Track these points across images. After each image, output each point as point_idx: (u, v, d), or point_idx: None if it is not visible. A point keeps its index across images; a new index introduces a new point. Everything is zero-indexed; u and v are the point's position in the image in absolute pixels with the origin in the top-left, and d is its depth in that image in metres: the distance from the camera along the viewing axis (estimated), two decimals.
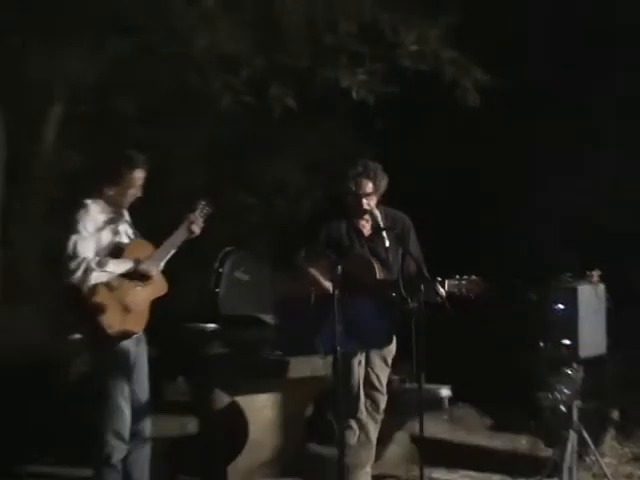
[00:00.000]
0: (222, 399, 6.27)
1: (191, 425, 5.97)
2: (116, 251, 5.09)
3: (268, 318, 6.13)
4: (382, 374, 5.60)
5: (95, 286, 4.93)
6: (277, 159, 8.60)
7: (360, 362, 5.48)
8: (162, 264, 5.24)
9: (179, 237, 5.25)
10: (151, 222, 5.33)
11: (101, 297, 4.93)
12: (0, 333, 6.66)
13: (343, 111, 8.07)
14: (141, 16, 7.01)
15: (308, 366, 5.97)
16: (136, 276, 5.08)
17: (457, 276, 5.26)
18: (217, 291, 6.22)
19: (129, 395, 5.08)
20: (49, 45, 7.20)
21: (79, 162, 7.43)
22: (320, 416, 6.26)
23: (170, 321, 5.82)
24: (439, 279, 5.20)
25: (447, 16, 7.24)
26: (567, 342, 5.66)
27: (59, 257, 5.00)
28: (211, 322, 6.36)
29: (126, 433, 5.07)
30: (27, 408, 6.17)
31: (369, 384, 5.55)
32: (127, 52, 7.24)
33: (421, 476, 5.19)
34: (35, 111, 7.46)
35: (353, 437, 5.42)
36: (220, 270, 6.26)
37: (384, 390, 5.63)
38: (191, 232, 5.25)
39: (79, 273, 4.91)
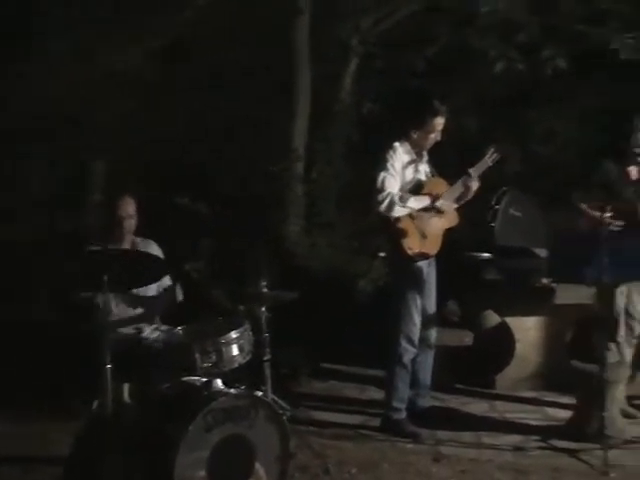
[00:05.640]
0: (493, 318, 6.80)
1: (467, 339, 6.41)
2: (417, 187, 5.65)
3: (537, 250, 6.50)
4: (638, 303, 5.97)
5: (399, 215, 5.52)
6: (549, 109, 8.84)
7: (622, 292, 5.86)
8: (454, 201, 5.73)
9: (458, 188, 5.72)
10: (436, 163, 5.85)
11: (404, 224, 5.52)
12: (305, 256, 7.60)
13: (613, 67, 8.04)
14: None
15: (573, 294, 6.25)
16: (433, 210, 5.65)
17: None
18: (493, 225, 6.68)
19: (420, 306, 5.63)
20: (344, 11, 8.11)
21: (373, 110, 8.20)
22: (583, 338, 6.46)
23: (451, 249, 6.12)
24: None
25: None
26: None
27: (369, 191, 5.54)
28: (486, 252, 6.80)
29: (416, 338, 5.61)
30: (326, 315, 6.83)
31: (626, 312, 5.93)
32: (417, 13, 7.92)
33: None
34: (336, 65, 8.23)
35: (612, 357, 5.75)
36: (497, 206, 6.71)
37: (639, 318, 5.98)
38: (467, 188, 5.70)
39: (384, 205, 5.45)
